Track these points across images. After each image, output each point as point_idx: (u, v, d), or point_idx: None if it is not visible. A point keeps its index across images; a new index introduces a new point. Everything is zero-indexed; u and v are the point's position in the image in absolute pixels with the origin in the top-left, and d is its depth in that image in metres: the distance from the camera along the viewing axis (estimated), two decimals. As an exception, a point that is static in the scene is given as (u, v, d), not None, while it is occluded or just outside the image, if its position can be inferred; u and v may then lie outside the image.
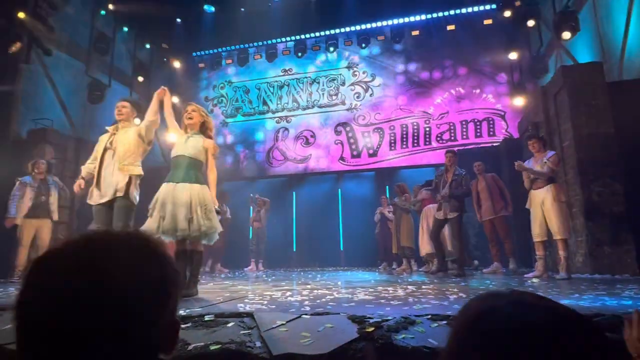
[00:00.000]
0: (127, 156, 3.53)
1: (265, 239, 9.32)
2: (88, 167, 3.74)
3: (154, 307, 0.52)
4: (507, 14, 9.47)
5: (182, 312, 2.13)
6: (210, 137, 3.62)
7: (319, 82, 11.61)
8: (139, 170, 3.59)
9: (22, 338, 0.49)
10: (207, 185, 3.48)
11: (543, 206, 4.83)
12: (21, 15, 7.34)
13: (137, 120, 3.91)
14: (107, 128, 3.77)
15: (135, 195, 3.57)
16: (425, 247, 6.72)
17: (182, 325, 1.93)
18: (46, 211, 5.93)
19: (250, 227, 9.24)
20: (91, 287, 0.48)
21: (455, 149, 9.45)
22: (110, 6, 9.57)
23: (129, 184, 3.48)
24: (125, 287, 0.50)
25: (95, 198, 3.53)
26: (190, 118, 3.55)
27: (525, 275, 5.04)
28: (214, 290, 3.73)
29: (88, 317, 0.47)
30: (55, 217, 6.03)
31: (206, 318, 2.00)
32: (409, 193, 7.63)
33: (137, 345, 0.50)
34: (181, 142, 3.53)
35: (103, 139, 3.71)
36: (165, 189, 3.35)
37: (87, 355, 0.47)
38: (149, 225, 3.26)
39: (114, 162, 3.54)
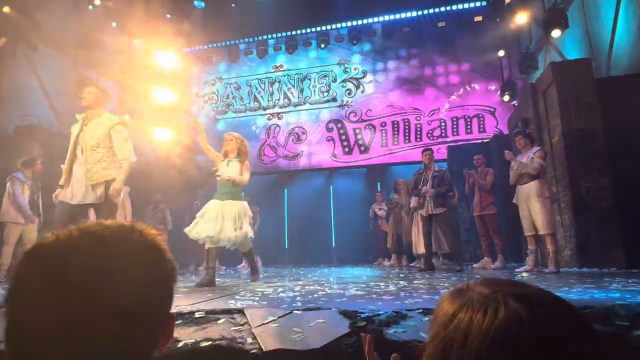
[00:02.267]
0: (97, 159, 3.34)
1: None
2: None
3: (155, 302, 0.51)
4: (498, 11, 9.52)
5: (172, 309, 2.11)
6: (244, 161, 4.26)
7: (310, 79, 11.58)
8: (113, 174, 3.38)
9: (12, 337, 0.47)
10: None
11: (528, 202, 4.91)
12: (6, 9, 7.19)
13: (107, 116, 3.53)
14: (77, 116, 3.51)
15: (121, 194, 3.43)
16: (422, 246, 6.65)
17: (172, 322, 1.90)
18: (36, 210, 5.81)
19: None
20: (88, 283, 0.46)
21: (446, 145, 9.58)
22: (98, 1, 9.42)
23: (107, 188, 3.34)
24: (124, 283, 0.48)
25: (66, 195, 3.33)
26: (228, 146, 4.25)
27: (516, 270, 5.09)
28: (204, 287, 3.70)
29: (84, 315, 0.45)
30: (41, 217, 5.90)
31: (197, 315, 1.97)
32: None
33: (135, 342, 0.49)
34: (223, 166, 4.22)
35: (74, 132, 3.46)
36: (213, 204, 4.01)
37: (83, 354, 0.45)
38: (202, 230, 3.86)
39: (84, 161, 3.33)
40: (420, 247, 6.61)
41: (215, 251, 4.02)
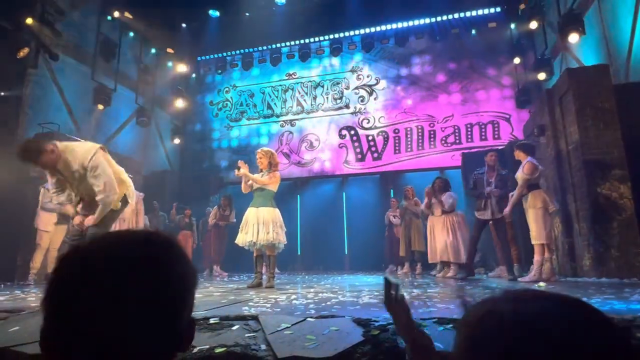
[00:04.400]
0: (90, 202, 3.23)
1: None
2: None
3: (176, 305, 0.53)
4: (512, 16, 9.45)
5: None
6: (274, 171, 4.73)
7: (323, 86, 11.64)
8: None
9: (48, 336, 0.50)
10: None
11: (526, 212, 5.00)
12: (29, 20, 7.43)
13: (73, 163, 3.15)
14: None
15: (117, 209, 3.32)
16: (449, 253, 6.12)
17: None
18: (68, 217, 5.95)
19: None
20: (116, 286, 0.49)
21: (460, 152, 9.49)
22: (117, 12, 9.67)
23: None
24: (150, 285, 0.51)
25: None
26: (260, 163, 4.77)
27: (528, 280, 5.00)
28: (218, 293, 3.73)
29: (113, 315, 0.48)
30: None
31: (211, 321, 1.99)
32: (416, 197, 7.65)
33: (157, 343, 0.51)
34: (257, 178, 4.72)
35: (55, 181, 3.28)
36: (250, 212, 4.58)
37: (110, 354, 0.47)
38: (241, 238, 4.53)
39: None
40: (451, 255, 6.12)
41: (261, 258, 4.70)
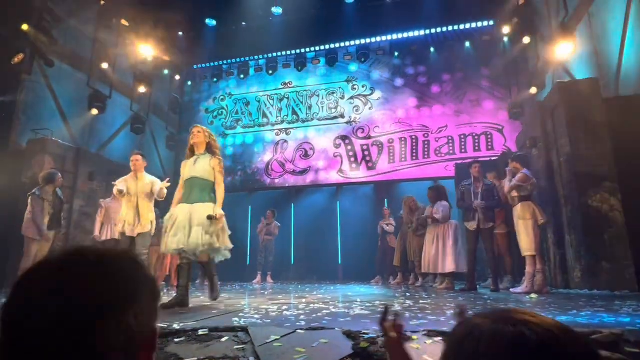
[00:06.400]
0: (147, 207, 4.66)
1: (274, 252, 9.29)
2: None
3: (113, 317, 0.52)
4: (505, 30, 9.60)
5: (175, 326, 2.11)
6: (216, 155, 3.81)
7: (318, 95, 11.70)
8: (153, 216, 4.78)
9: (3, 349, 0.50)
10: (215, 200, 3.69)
11: (516, 224, 5.10)
12: (24, 27, 7.43)
13: (149, 176, 4.86)
14: (125, 178, 4.75)
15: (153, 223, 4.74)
16: (450, 264, 5.89)
17: (176, 340, 1.91)
18: (58, 223, 5.84)
19: (259, 240, 9.28)
20: (74, 296, 0.50)
21: (453, 162, 9.54)
22: (113, 19, 9.69)
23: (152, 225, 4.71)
24: (96, 299, 0.51)
25: (127, 229, 4.53)
26: (196, 138, 3.80)
27: (526, 290, 5.01)
28: (209, 303, 3.70)
29: (57, 329, 0.48)
30: (62, 230, 5.95)
31: (200, 332, 1.98)
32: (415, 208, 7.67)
33: (113, 354, 0.50)
34: (190, 164, 3.77)
35: (125, 187, 4.62)
36: (182, 209, 3.58)
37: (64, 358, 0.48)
38: (167, 243, 3.51)
39: (134, 206, 4.59)
40: (448, 265, 5.93)
41: (187, 267, 3.60)
